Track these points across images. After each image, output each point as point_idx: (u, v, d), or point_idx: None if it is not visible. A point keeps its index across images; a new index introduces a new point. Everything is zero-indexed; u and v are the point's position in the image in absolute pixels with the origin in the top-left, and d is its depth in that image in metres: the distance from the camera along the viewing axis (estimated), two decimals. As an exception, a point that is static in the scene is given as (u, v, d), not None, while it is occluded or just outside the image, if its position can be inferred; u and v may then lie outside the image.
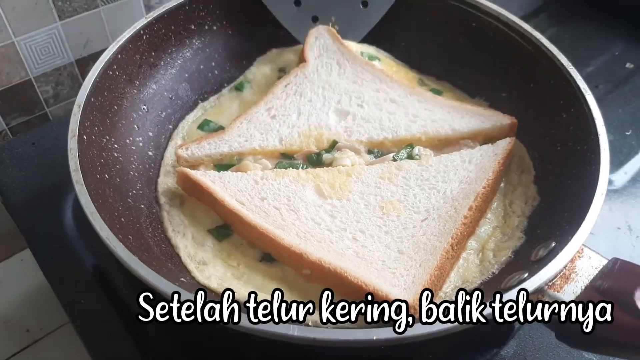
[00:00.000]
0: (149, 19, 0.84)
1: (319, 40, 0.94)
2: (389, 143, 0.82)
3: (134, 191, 0.76)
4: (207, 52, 0.93)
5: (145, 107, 0.85)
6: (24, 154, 0.92)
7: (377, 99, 0.87)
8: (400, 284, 0.64)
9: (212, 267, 0.70)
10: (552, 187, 0.75)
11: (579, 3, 1.25)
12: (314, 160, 0.80)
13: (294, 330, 0.52)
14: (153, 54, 0.86)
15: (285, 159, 0.81)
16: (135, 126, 0.82)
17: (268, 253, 0.71)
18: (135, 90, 0.84)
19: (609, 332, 0.55)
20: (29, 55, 0.99)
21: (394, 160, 0.80)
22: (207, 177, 0.75)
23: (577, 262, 0.61)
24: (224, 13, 0.93)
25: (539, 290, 0.58)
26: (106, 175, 0.72)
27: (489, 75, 0.90)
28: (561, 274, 0.59)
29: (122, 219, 0.67)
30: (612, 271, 0.60)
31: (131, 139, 0.81)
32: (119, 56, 0.80)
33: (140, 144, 0.82)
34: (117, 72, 0.80)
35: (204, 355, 0.71)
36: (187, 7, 0.88)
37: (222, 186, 0.74)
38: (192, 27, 0.91)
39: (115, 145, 0.77)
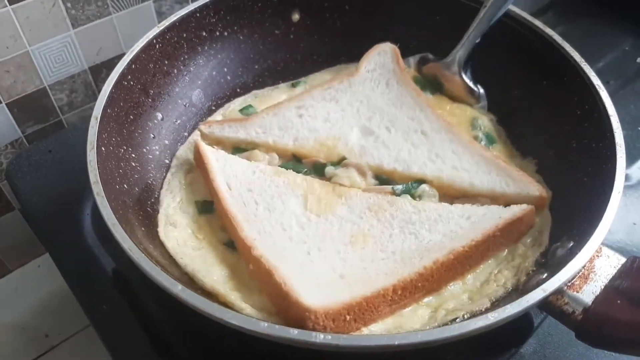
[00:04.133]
0: (161, 28, 0.84)
1: (380, 57, 0.93)
2: (397, 176, 0.79)
3: (152, 200, 0.76)
4: (219, 58, 0.94)
5: (160, 115, 0.85)
6: (40, 162, 0.93)
7: (408, 127, 0.83)
8: (317, 295, 0.61)
9: (177, 232, 0.74)
10: (568, 184, 0.75)
11: (586, 0, 1.24)
12: (319, 170, 0.80)
13: (317, 337, 0.52)
14: (166, 62, 0.87)
15: (295, 160, 0.81)
16: (152, 135, 0.83)
17: (232, 241, 0.72)
18: (150, 100, 0.84)
19: (629, 331, 0.56)
20: (43, 63, 1.00)
21: (393, 192, 0.76)
22: (212, 154, 0.78)
23: (596, 262, 0.61)
24: (235, 19, 0.93)
25: (558, 291, 0.58)
26: (125, 185, 0.72)
27: (502, 73, 0.90)
28: (580, 273, 0.60)
29: (143, 228, 0.68)
30: (630, 270, 0.60)
31: (148, 147, 0.81)
32: (133, 66, 0.80)
33: (157, 153, 0.82)
34: (131, 82, 0.80)
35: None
36: (198, 14, 0.88)
37: (221, 167, 0.77)
38: (204, 34, 0.91)
39: (133, 155, 0.78)
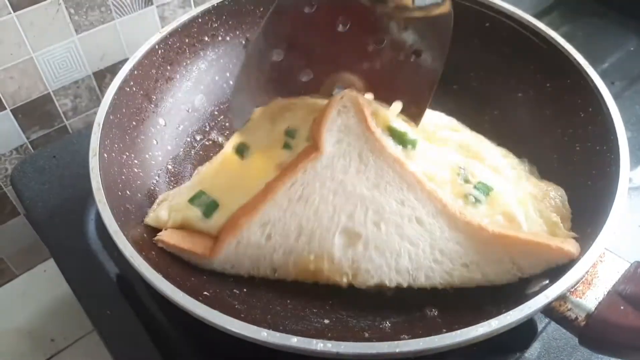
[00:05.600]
0: (163, 34, 0.84)
1: (342, 117, 0.73)
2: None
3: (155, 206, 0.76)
4: (222, 62, 0.93)
5: (162, 121, 0.85)
6: (45, 167, 0.94)
7: (401, 215, 0.68)
8: None
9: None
10: (571, 188, 0.75)
11: (591, 0, 1.23)
12: None
13: (317, 345, 0.52)
14: (169, 67, 0.87)
15: None
16: (154, 141, 0.83)
17: None
18: (152, 105, 0.84)
19: (633, 337, 0.55)
20: (47, 69, 1.00)
21: None
22: None
23: (599, 267, 0.60)
24: (237, 23, 0.93)
25: (561, 297, 0.58)
26: (127, 192, 0.72)
27: (506, 76, 0.89)
28: (583, 279, 0.59)
29: (145, 235, 0.68)
30: (634, 275, 0.59)
31: (150, 153, 0.81)
32: (136, 72, 0.80)
33: (160, 158, 0.82)
34: (134, 88, 0.80)
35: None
36: (200, 20, 0.88)
37: None
38: (206, 38, 0.91)
39: (135, 161, 0.78)
